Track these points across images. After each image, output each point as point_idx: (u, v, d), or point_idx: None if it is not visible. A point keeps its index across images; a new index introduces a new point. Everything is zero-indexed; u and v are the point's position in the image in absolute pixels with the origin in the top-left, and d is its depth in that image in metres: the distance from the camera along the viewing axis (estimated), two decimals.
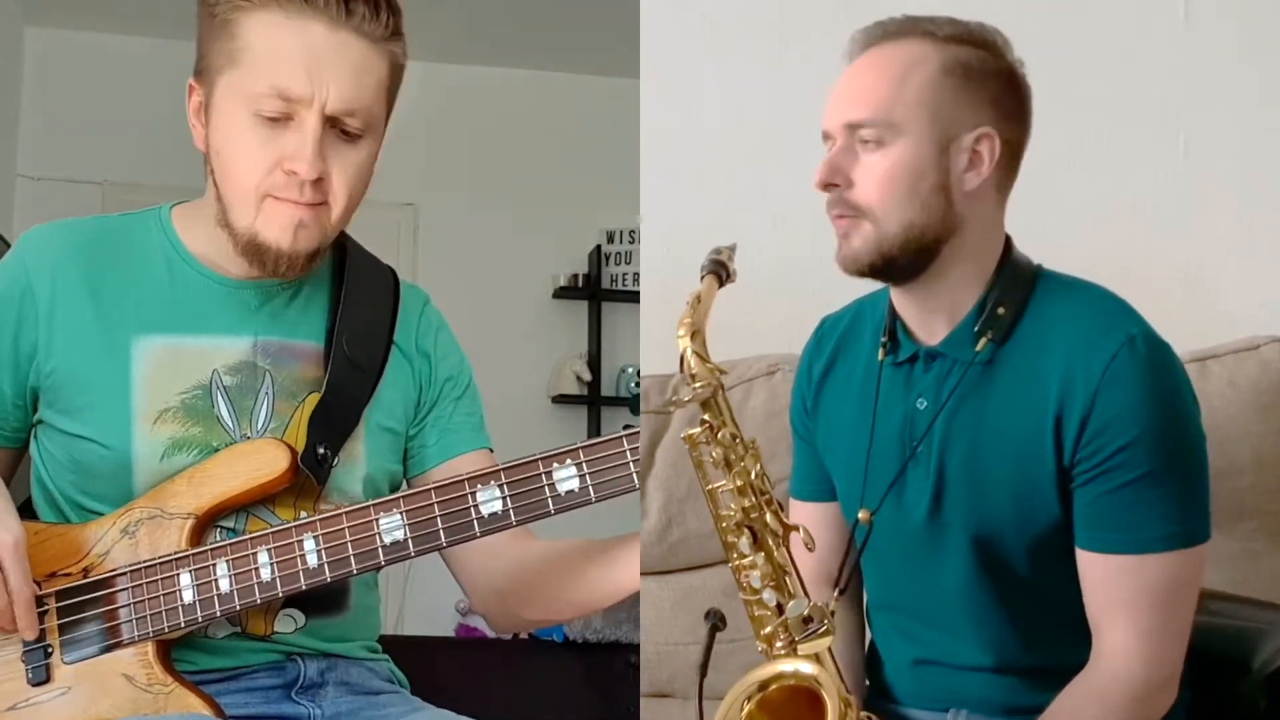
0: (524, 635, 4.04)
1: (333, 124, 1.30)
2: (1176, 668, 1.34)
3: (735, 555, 1.30)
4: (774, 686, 1.25)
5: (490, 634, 4.16)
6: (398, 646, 1.53)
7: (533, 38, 4.40)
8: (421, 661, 1.63)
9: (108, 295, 1.36)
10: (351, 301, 1.42)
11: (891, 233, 1.34)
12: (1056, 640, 1.38)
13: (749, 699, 1.25)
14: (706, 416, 1.29)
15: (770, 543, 1.29)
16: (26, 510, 1.39)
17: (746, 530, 1.28)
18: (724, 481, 1.29)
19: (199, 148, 1.35)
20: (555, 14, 4.19)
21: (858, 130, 1.35)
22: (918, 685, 1.47)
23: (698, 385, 1.27)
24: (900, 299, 1.43)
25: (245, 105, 1.29)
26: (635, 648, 2.45)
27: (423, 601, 4.10)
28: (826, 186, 1.37)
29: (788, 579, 1.29)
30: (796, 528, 1.30)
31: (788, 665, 1.25)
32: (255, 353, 1.38)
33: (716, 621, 1.30)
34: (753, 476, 1.29)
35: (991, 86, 1.36)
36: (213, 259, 1.39)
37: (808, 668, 1.24)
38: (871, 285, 1.54)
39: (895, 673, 1.50)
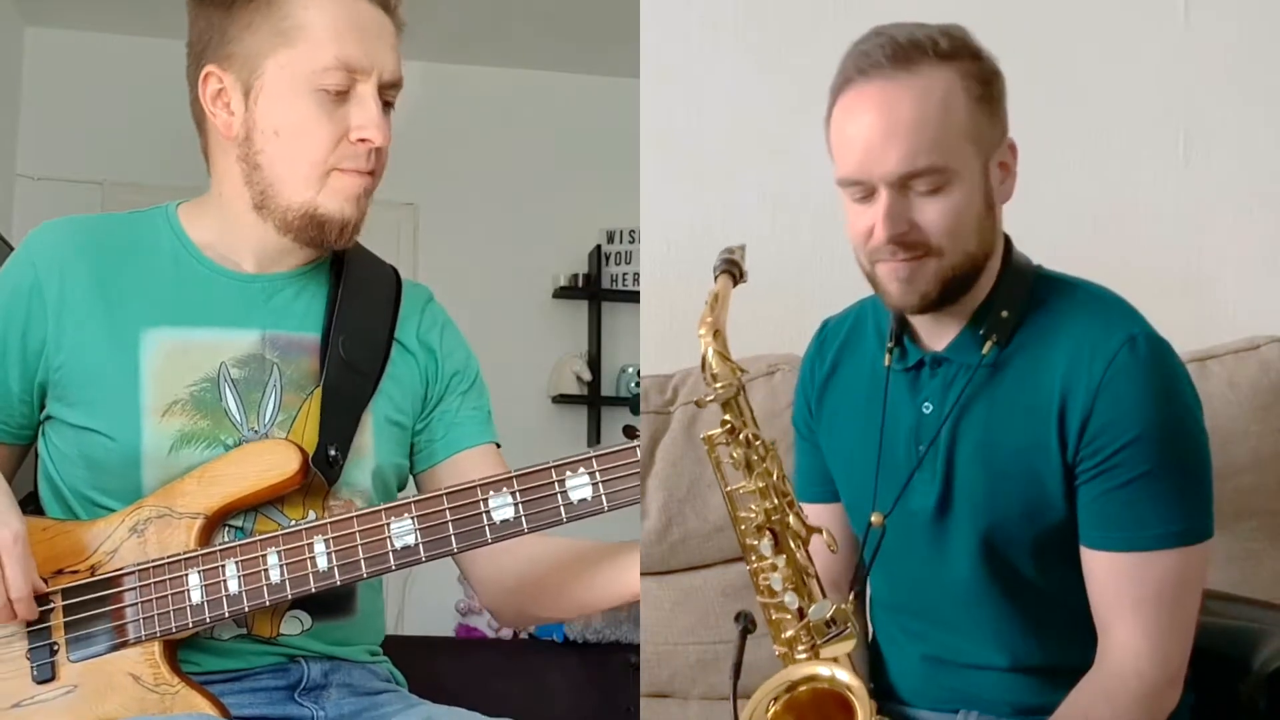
0: (524, 635, 4.04)
1: (380, 94, 1.35)
2: (1182, 665, 1.35)
3: (755, 558, 1.30)
4: (804, 688, 1.25)
5: (490, 634, 4.16)
6: (398, 646, 1.53)
7: (533, 38, 4.39)
8: (421, 661, 1.63)
9: (116, 288, 1.36)
10: (348, 301, 1.43)
11: (954, 263, 1.33)
12: (1067, 639, 1.38)
13: (775, 699, 1.25)
14: (728, 417, 1.29)
15: (792, 545, 1.29)
16: (32, 506, 1.39)
17: (768, 532, 1.28)
18: (744, 483, 1.29)
19: (225, 136, 1.36)
20: (555, 14, 4.19)
21: (912, 180, 1.30)
22: (926, 686, 1.47)
23: (719, 385, 1.27)
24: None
25: (306, 82, 1.32)
26: (635, 648, 2.45)
27: (423, 601, 4.09)
28: (895, 239, 1.31)
29: (808, 582, 1.29)
30: (819, 530, 1.30)
31: (824, 669, 1.25)
32: (263, 346, 1.38)
33: (748, 624, 1.29)
34: (775, 478, 1.28)
35: (999, 93, 1.36)
36: (220, 253, 1.40)
37: (844, 675, 1.24)
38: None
39: (902, 673, 1.50)
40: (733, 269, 1.33)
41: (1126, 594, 1.33)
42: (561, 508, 1.27)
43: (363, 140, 1.34)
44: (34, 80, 4.37)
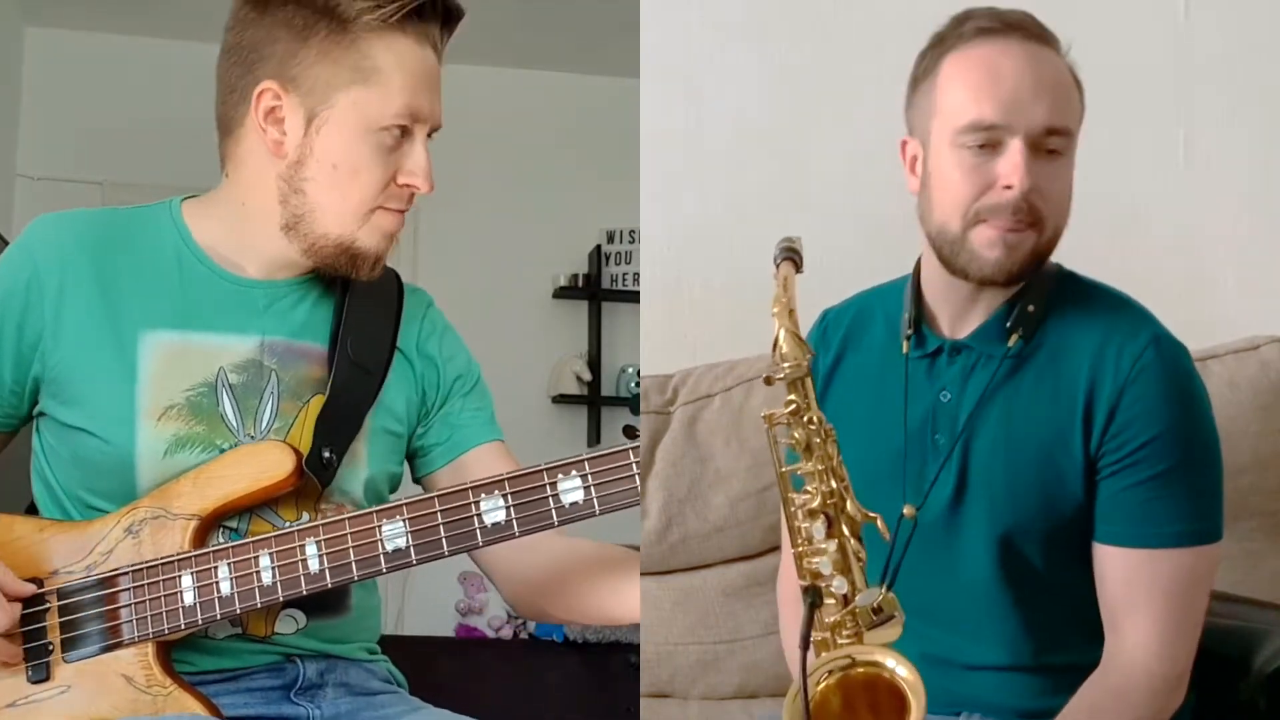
0: (524, 635, 4.05)
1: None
2: (1189, 665, 1.35)
3: (802, 541, 1.29)
4: (861, 670, 1.25)
5: (490, 634, 4.17)
6: (398, 646, 1.53)
7: (533, 38, 4.40)
8: (421, 661, 1.63)
9: (117, 288, 1.36)
10: (356, 305, 1.43)
11: (1049, 239, 1.36)
12: (1071, 640, 1.39)
13: (830, 673, 1.25)
14: (793, 397, 1.28)
15: (846, 530, 1.28)
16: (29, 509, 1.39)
17: (822, 516, 1.28)
18: (802, 464, 1.28)
19: (274, 154, 1.35)
20: (555, 14, 4.19)
21: (1050, 136, 1.33)
22: (926, 687, 1.46)
23: (787, 365, 1.27)
24: (948, 294, 1.42)
25: (373, 122, 1.33)
26: (635, 648, 2.45)
27: (423, 601, 4.10)
28: (1025, 196, 1.32)
29: (856, 568, 1.29)
30: (874, 517, 1.29)
31: (890, 660, 1.24)
32: (262, 352, 1.38)
33: (816, 599, 1.26)
34: (834, 462, 1.28)
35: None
36: (224, 255, 1.40)
37: (905, 671, 1.23)
38: (874, 281, 1.55)
39: None
40: (793, 256, 1.32)
41: (1139, 591, 1.34)
42: (553, 510, 1.26)
43: (408, 185, 1.36)
44: (34, 80, 4.37)
